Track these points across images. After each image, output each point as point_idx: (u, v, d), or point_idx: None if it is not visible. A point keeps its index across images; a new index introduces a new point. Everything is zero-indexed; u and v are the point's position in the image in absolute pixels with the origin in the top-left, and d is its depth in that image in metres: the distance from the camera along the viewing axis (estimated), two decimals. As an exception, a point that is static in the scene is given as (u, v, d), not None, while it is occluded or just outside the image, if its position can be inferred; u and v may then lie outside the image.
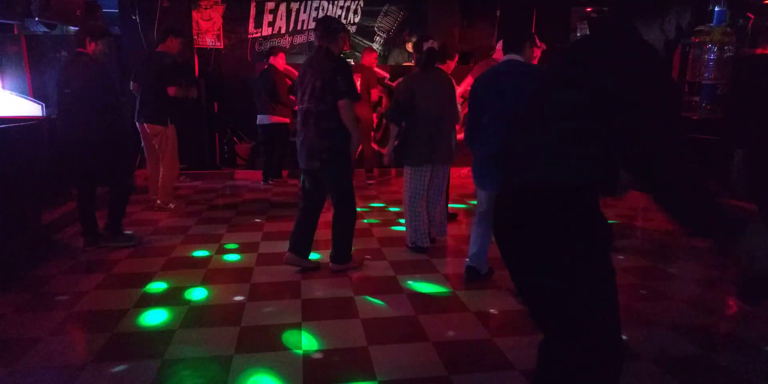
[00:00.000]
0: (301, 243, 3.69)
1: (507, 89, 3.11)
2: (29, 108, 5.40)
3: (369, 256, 4.07)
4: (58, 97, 4.04)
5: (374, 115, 6.86)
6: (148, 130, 5.16)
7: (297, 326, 2.90)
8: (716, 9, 6.02)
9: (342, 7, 8.04)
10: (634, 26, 1.60)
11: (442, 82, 4.00)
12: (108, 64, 4.34)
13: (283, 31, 7.96)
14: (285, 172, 7.04)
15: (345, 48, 7.95)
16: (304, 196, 3.72)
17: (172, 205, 5.41)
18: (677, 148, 1.45)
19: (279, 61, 6.52)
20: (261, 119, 6.58)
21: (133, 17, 6.91)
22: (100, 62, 4.01)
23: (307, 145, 3.48)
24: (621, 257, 4.09)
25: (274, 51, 6.55)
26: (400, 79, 4.74)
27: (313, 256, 3.86)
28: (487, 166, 3.24)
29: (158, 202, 5.38)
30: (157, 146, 5.23)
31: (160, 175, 5.32)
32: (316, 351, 2.65)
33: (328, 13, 8.01)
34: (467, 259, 3.58)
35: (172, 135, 5.20)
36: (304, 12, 7.96)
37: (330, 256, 3.75)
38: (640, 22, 1.60)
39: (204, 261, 3.94)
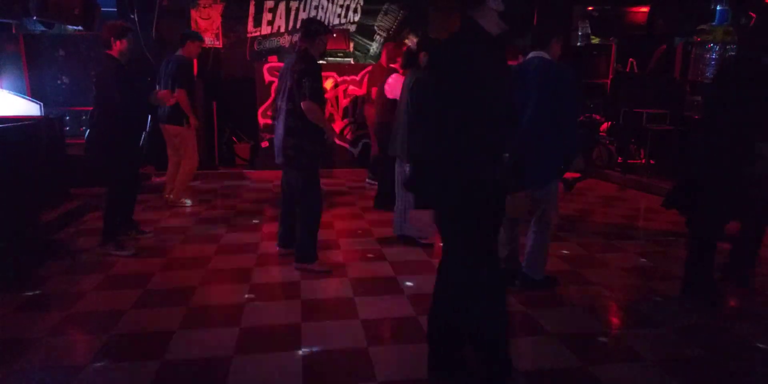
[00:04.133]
0: (285, 234, 3.96)
1: (529, 88, 3.04)
2: (27, 107, 5.37)
3: (371, 255, 4.06)
4: None
5: None
6: (170, 131, 5.31)
7: (297, 327, 2.89)
8: (718, 8, 6.00)
9: (342, 6, 8.02)
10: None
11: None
12: (131, 60, 4.32)
13: (282, 29, 7.93)
14: None
15: (343, 47, 7.93)
16: (282, 189, 3.95)
17: (188, 202, 5.52)
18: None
19: None
20: None
21: (132, 16, 6.88)
22: (120, 62, 4.01)
23: (277, 141, 3.68)
24: (622, 258, 4.09)
25: None
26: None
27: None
28: None
29: (170, 196, 5.49)
30: (177, 146, 5.39)
31: (179, 172, 5.48)
32: (316, 352, 2.63)
33: (328, 12, 7.99)
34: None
35: (191, 135, 5.34)
36: (304, 10, 7.93)
37: (294, 255, 3.78)
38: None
39: (203, 261, 3.92)
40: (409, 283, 3.51)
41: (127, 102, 3.96)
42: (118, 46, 3.98)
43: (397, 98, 4.75)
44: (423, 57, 4.09)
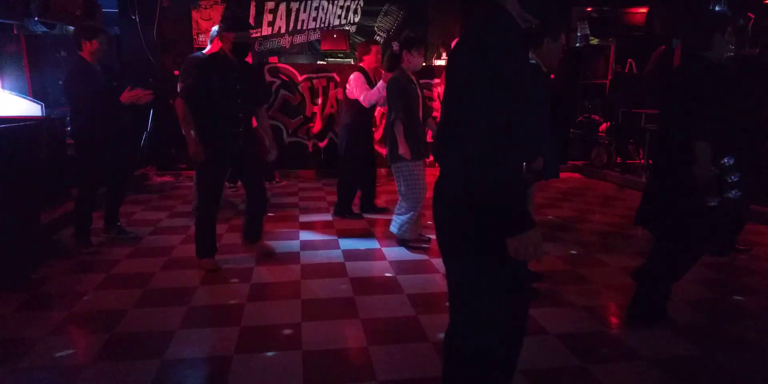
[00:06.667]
0: (246, 229, 4.03)
1: None
2: (29, 108, 5.39)
3: (371, 255, 4.07)
4: None
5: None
6: None
7: (297, 326, 2.90)
8: (717, 9, 6.02)
9: (342, 7, 8.04)
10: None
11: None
12: (107, 61, 4.32)
13: (282, 30, 7.95)
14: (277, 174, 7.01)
15: (343, 47, 7.90)
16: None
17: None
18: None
19: None
20: None
21: (133, 17, 6.90)
22: (91, 64, 3.99)
23: None
24: (622, 258, 4.10)
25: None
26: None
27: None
28: None
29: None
30: None
31: None
32: (316, 351, 2.64)
33: (328, 13, 8.01)
34: None
35: None
36: (304, 11, 7.96)
37: None
38: None
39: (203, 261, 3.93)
40: (409, 283, 3.53)
41: (96, 103, 3.92)
42: (88, 48, 3.96)
43: (357, 98, 4.79)
44: (405, 55, 3.97)
